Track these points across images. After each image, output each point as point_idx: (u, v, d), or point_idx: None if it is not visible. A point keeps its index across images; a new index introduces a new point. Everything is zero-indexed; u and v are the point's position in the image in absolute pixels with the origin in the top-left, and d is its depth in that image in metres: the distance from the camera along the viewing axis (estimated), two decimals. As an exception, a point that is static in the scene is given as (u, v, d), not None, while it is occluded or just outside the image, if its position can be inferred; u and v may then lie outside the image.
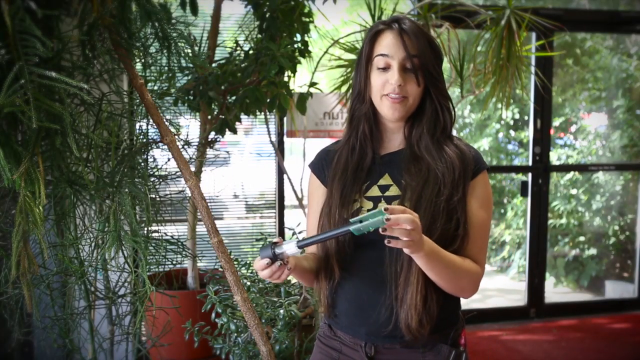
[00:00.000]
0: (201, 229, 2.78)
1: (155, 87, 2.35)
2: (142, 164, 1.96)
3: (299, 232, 2.32)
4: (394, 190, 1.31)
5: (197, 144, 2.48)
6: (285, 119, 3.31)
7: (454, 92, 4.59)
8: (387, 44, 1.30)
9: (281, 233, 3.50)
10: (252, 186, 3.61)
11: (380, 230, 1.09)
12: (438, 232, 1.25)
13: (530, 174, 4.06)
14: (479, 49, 2.78)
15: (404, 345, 1.30)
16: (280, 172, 3.43)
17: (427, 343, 1.31)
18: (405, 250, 1.15)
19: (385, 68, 1.30)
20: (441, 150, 1.31)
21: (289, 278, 1.31)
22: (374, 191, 1.33)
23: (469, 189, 1.30)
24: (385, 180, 1.33)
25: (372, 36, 1.32)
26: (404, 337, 1.28)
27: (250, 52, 2.56)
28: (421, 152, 1.32)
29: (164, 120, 1.83)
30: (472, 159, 1.32)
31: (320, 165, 1.43)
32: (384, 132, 1.38)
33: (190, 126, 2.83)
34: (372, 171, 1.35)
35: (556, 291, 4.69)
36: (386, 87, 1.29)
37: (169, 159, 1.98)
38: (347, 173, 1.34)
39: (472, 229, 1.29)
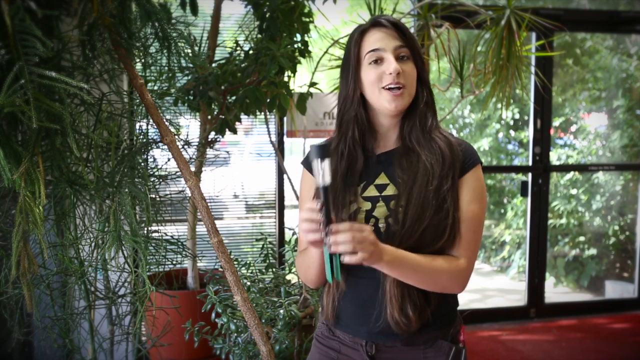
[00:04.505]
0: (201, 229, 2.78)
1: (155, 87, 2.35)
2: (142, 164, 1.96)
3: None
4: (391, 190, 1.31)
5: (197, 144, 2.48)
6: (285, 119, 3.31)
7: (454, 92, 4.60)
8: (376, 39, 1.31)
9: (281, 233, 3.50)
10: (252, 186, 3.61)
11: (326, 248, 1.16)
12: (427, 222, 1.25)
13: (530, 174, 4.06)
14: (479, 49, 2.78)
15: (404, 344, 1.31)
16: (280, 172, 3.43)
17: (428, 340, 1.32)
18: (364, 263, 1.17)
19: (378, 61, 1.30)
20: (431, 142, 1.31)
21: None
22: (371, 191, 1.32)
23: (461, 183, 1.30)
24: (382, 179, 1.33)
25: (358, 37, 1.33)
26: (396, 331, 1.29)
27: (250, 52, 2.56)
28: (412, 144, 1.32)
29: (164, 120, 1.84)
30: (462, 152, 1.32)
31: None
32: (379, 131, 1.38)
33: (190, 126, 2.83)
34: (368, 171, 1.35)
35: (556, 291, 4.69)
36: (384, 79, 1.29)
37: (169, 159, 1.98)
38: (336, 180, 1.32)
39: (462, 223, 1.29)
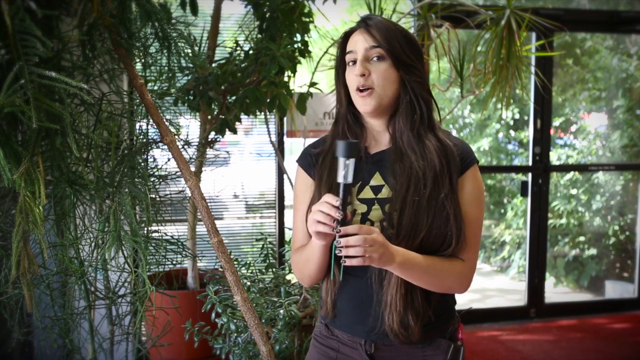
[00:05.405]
0: (201, 229, 2.78)
1: (155, 87, 2.35)
2: (142, 164, 1.96)
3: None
4: (385, 192, 1.31)
5: (197, 144, 2.48)
6: (285, 119, 3.31)
7: (454, 92, 4.60)
8: (354, 41, 1.32)
9: (281, 233, 3.50)
10: (252, 186, 3.61)
11: (336, 252, 1.14)
12: (424, 230, 1.25)
13: (530, 174, 4.07)
14: (479, 49, 2.78)
15: (403, 342, 1.31)
16: (280, 172, 3.43)
17: (427, 338, 1.32)
18: (375, 265, 1.17)
19: (356, 62, 1.31)
20: (422, 145, 1.30)
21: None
22: (367, 193, 1.32)
23: (457, 185, 1.29)
24: (377, 180, 1.33)
25: (342, 40, 1.36)
26: (395, 341, 1.29)
27: (250, 52, 2.56)
28: (404, 149, 1.31)
29: (164, 120, 1.83)
30: (458, 153, 1.31)
31: (308, 162, 1.41)
32: (370, 131, 1.38)
33: (190, 126, 2.83)
34: (363, 171, 1.34)
35: (556, 291, 4.69)
36: (355, 81, 1.30)
37: (169, 159, 1.98)
38: (332, 175, 1.32)
39: (462, 225, 1.29)
